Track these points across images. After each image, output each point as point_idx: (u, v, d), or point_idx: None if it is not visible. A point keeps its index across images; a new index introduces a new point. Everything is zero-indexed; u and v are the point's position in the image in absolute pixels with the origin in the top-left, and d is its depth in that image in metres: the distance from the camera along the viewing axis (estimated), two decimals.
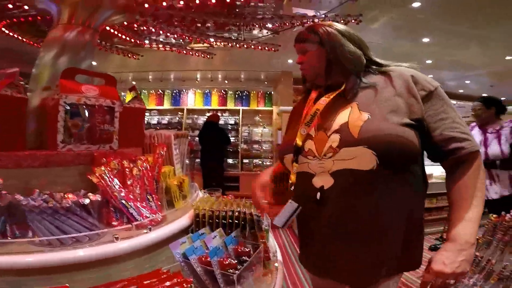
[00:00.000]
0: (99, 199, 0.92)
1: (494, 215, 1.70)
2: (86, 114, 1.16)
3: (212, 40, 3.70)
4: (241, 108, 6.31)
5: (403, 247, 0.82)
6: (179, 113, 6.39)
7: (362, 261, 0.81)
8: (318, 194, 0.82)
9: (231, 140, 5.72)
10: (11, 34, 3.08)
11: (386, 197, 0.78)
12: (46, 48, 1.51)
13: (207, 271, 0.86)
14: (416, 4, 2.81)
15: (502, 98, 6.18)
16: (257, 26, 3.02)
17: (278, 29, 3.29)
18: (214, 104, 6.44)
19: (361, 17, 2.52)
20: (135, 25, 3.11)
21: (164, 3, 2.23)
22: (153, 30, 3.21)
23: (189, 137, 5.97)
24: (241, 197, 1.38)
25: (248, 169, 5.91)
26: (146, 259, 0.93)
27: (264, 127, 6.29)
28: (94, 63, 1.83)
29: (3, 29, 2.92)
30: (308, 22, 2.86)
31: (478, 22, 3.19)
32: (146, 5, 2.14)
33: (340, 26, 0.90)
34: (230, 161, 5.96)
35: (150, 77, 6.27)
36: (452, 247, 0.74)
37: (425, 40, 3.78)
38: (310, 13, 2.86)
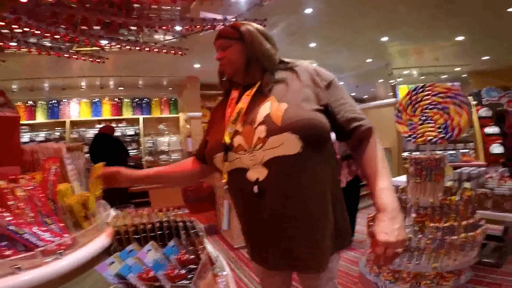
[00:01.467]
0: None
1: None
2: None
3: (105, 42, 3.25)
4: (141, 116, 5.77)
5: (334, 225, 0.90)
6: (59, 127, 5.34)
7: (314, 245, 0.86)
8: (255, 188, 0.84)
9: (132, 153, 5.16)
10: None
11: (315, 177, 0.85)
12: None
13: (154, 287, 0.73)
14: (308, 11, 3.16)
15: (365, 96, 7.68)
16: (164, 28, 2.82)
17: (186, 32, 3.18)
18: (106, 114, 5.67)
19: (265, 21, 2.67)
20: (0, 24, 2.44)
21: None
22: (27, 30, 2.58)
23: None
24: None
25: None
26: None
27: (171, 136, 5.94)
28: None
29: None
30: (219, 25, 2.87)
31: (348, 30, 3.84)
32: None
33: (259, 26, 0.97)
34: None
35: (14, 86, 5.03)
36: (385, 217, 0.80)
37: (312, 45, 4.34)
38: (219, 17, 2.87)
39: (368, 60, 5.34)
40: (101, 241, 0.96)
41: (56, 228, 0.90)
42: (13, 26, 2.58)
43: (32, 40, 3.26)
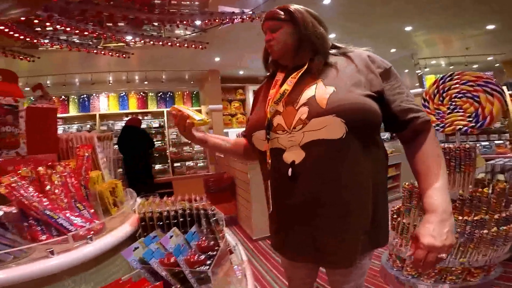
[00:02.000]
0: (15, 211, 0.72)
1: (407, 183, 1.99)
2: None
3: (130, 38, 3.37)
4: (165, 109, 5.92)
5: (372, 220, 0.83)
6: (90, 120, 5.63)
7: (343, 238, 0.80)
8: (290, 170, 0.80)
9: (157, 144, 5.34)
10: None
11: (356, 167, 0.79)
12: None
13: (173, 272, 0.77)
14: (326, 1, 3.09)
15: None
16: (185, 22, 2.88)
17: (205, 26, 3.22)
18: (133, 107, 5.89)
19: None
20: (35, 21, 2.60)
21: None
22: (58, 27, 2.74)
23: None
24: None
25: (181, 173, 5.58)
26: (94, 272, 0.79)
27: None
28: None
29: None
30: (237, 18, 2.88)
31: (368, 20, 3.69)
32: None
33: (308, 9, 0.93)
34: (158, 166, 5.54)
35: (48, 82, 5.34)
36: (435, 218, 0.74)
37: (331, 36, 4.23)
38: (237, 10, 2.88)
39: (392, 50, 5.13)
40: (128, 227, 1.00)
41: (87, 214, 0.96)
42: (46, 24, 2.74)
43: (63, 37, 3.45)
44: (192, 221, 1.07)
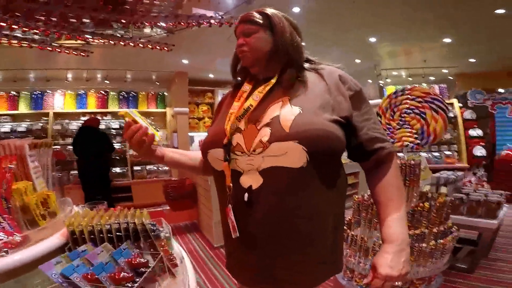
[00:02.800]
0: None
1: (357, 196, 2.06)
2: None
3: (89, 37, 3.18)
4: (127, 110, 5.66)
5: (332, 249, 0.82)
6: (43, 118, 5.19)
7: (300, 269, 0.78)
8: (246, 195, 0.76)
9: (116, 146, 5.08)
10: None
11: (316, 198, 0.77)
12: None
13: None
14: (296, 9, 3.14)
15: None
16: (147, 24, 2.77)
17: (173, 28, 3.13)
18: (92, 107, 5.53)
19: None
20: None
21: None
22: (3, 24, 2.52)
23: (59, 146, 4.99)
24: (134, 208, 1.25)
25: (141, 177, 5.35)
26: (10, 285, 0.80)
27: (158, 130, 5.83)
28: None
29: None
30: (205, 23, 2.83)
31: (336, 30, 3.81)
32: None
33: (288, 16, 0.88)
34: (117, 170, 5.27)
35: None
36: (392, 249, 0.75)
37: (302, 44, 4.29)
38: (209, 13, 2.83)
39: (357, 61, 5.34)
40: (54, 240, 0.96)
41: (8, 227, 0.91)
42: None
43: (15, 32, 3.17)
44: (128, 236, 1.03)
